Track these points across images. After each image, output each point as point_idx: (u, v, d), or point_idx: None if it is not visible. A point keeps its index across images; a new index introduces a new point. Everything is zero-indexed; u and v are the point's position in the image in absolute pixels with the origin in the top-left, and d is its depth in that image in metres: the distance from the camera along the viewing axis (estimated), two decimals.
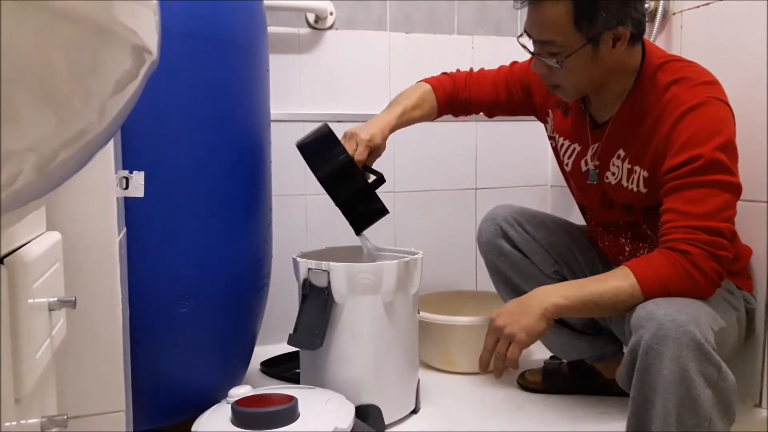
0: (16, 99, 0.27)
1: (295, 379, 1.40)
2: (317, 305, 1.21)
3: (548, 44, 1.16)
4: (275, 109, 1.46)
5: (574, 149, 1.34)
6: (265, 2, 1.35)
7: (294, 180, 1.75)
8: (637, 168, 1.21)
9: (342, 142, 1.25)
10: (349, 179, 1.22)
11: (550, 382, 1.45)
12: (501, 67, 1.46)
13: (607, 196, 1.29)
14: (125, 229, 0.97)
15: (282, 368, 1.56)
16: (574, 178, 1.38)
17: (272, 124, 1.40)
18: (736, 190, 1.10)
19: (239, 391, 1.09)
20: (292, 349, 1.34)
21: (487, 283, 1.54)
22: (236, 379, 1.30)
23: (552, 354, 1.51)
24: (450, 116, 1.48)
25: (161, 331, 1.12)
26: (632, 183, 1.22)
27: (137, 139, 1.02)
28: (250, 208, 1.27)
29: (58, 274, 0.64)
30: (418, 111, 1.38)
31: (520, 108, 1.45)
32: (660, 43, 1.54)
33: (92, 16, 0.31)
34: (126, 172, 0.86)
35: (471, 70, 1.48)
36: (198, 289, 1.15)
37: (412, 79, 1.46)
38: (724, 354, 1.05)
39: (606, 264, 1.37)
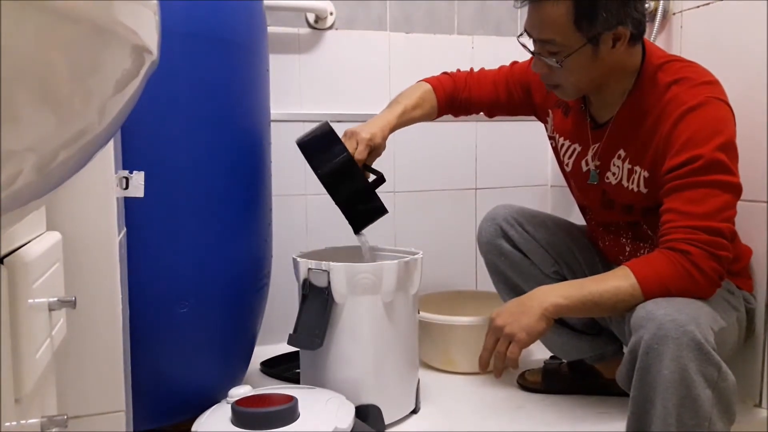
0: (16, 99, 0.27)
1: (295, 379, 1.40)
2: (317, 305, 1.21)
3: (548, 44, 1.16)
4: (275, 109, 1.46)
5: (575, 149, 1.34)
6: (265, 2, 1.35)
7: (294, 180, 1.75)
8: (637, 168, 1.21)
9: (342, 140, 1.25)
10: (349, 178, 1.22)
11: (550, 382, 1.45)
12: (501, 67, 1.46)
13: (608, 196, 1.29)
14: (125, 229, 0.97)
15: (282, 368, 1.56)
16: (574, 178, 1.38)
17: (272, 124, 1.40)
18: (736, 190, 1.10)
19: (239, 391, 1.09)
20: (292, 349, 1.34)
21: (487, 283, 1.54)
22: (236, 379, 1.30)
23: (552, 354, 1.51)
24: (450, 116, 1.48)
25: (161, 331, 1.12)
26: (632, 183, 1.22)
27: (137, 139, 1.02)
28: (250, 208, 1.27)
29: (58, 274, 0.64)
30: (419, 111, 1.38)
31: (520, 108, 1.45)
32: (660, 43, 1.54)
33: (92, 16, 0.31)
34: (126, 172, 0.86)
35: (471, 70, 1.48)
36: (198, 289, 1.15)
37: (412, 79, 1.46)
38: (724, 354, 1.05)
39: (606, 264, 1.37)
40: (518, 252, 1.40)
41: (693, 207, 1.08)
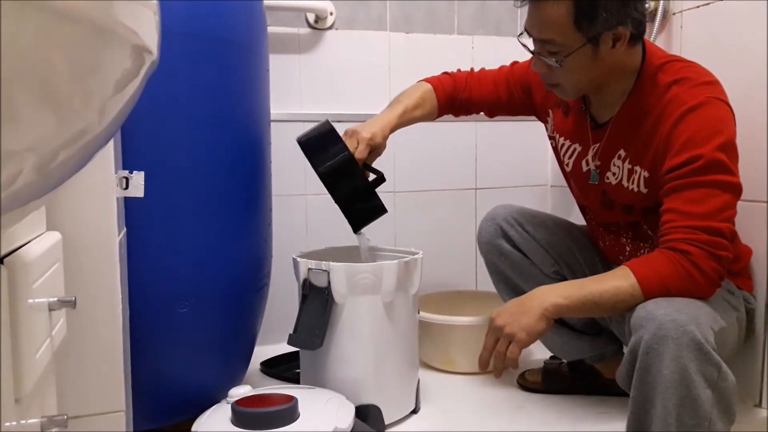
0: (16, 99, 0.27)
1: (295, 379, 1.40)
2: (317, 305, 1.21)
3: (548, 43, 1.16)
4: (275, 109, 1.46)
5: (575, 149, 1.34)
6: (265, 2, 1.35)
7: (294, 180, 1.75)
8: (637, 168, 1.21)
9: (343, 139, 1.25)
10: (349, 176, 1.22)
11: (550, 382, 1.45)
12: (502, 67, 1.46)
13: (608, 196, 1.29)
14: (125, 229, 0.97)
15: (282, 368, 1.56)
16: (574, 178, 1.38)
17: (272, 124, 1.40)
18: (736, 190, 1.10)
19: (239, 391, 1.09)
20: (292, 349, 1.34)
21: (487, 283, 1.54)
22: (236, 379, 1.30)
23: (552, 354, 1.51)
24: (450, 116, 1.48)
25: (161, 331, 1.12)
26: (633, 183, 1.22)
27: (137, 139, 1.02)
28: (250, 208, 1.27)
29: (58, 274, 0.64)
30: (419, 111, 1.38)
31: (521, 108, 1.45)
32: (660, 43, 1.54)
33: (92, 16, 0.31)
34: (126, 172, 0.86)
35: (472, 69, 1.48)
36: (198, 289, 1.15)
37: (412, 79, 1.46)
38: (724, 354, 1.05)
39: (606, 264, 1.37)
40: (518, 252, 1.40)
41: (693, 207, 1.08)
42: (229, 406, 1.05)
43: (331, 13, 1.77)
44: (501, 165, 1.98)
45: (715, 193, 1.08)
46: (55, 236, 0.65)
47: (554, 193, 2.02)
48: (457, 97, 1.43)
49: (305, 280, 1.24)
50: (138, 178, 0.86)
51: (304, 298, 1.24)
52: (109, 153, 0.81)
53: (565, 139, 1.37)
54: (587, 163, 1.31)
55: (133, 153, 1.00)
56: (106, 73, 0.37)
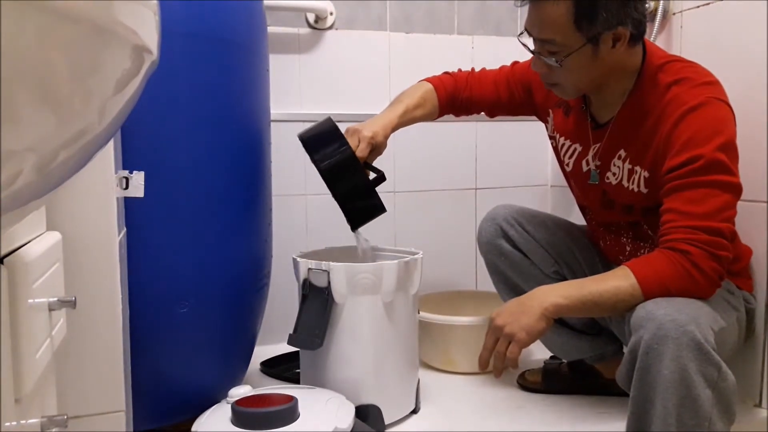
0: (16, 99, 0.27)
1: (295, 379, 1.40)
2: (317, 305, 1.21)
3: (548, 43, 1.16)
4: (275, 109, 1.46)
5: (575, 149, 1.34)
6: (265, 2, 1.35)
7: (294, 180, 1.75)
8: (637, 168, 1.21)
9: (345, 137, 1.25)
10: (350, 174, 1.22)
11: (550, 382, 1.45)
12: (502, 67, 1.46)
13: (608, 196, 1.29)
14: (125, 229, 0.97)
15: (282, 368, 1.56)
16: (574, 178, 1.38)
17: (272, 124, 1.40)
18: (736, 190, 1.10)
19: (239, 391, 1.09)
20: (292, 349, 1.34)
21: (487, 283, 1.54)
22: (236, 379, 1.30)
23: (552, 354, 1.51)
24: (450, 116, 1.48)
25: (161, 331, 1.12)
26: (633, 183, 1.22)
27: (137, 139, 1.02)
28: (250, 208, 1.27)
29: (58, 274, 0.64)
30: (420, 110, 1.38)
31: (521, 108, 1.45)
32: (660, 43, 1.54)
33: (92, 16, 0.31)
34: (126, 172, 0.86)
35: (472, 69, 1.48)
36: (198, 289, 1.15)
37: (412, 79, 1.46)
38: (724, 354, 1.05)
39: (606, 264, 1.37)
40: (518, 252, 1.40)
41: (693, 207, 1.08)
42: (229, 406, 1.05)
43: (331, 13, 1.77)
44: (501, 165, 1.98)
45: (715, 193, 1.08)
46: (55, 236, 0.65)
47: (554, 193, 2.02)
48: (458, 97, 1.43)
49: (305, 280, 1.24)
50: (138, 178, 0.86)
51: (304, 298, 1.24)
52: (109, 153, 0.81)
53: (565, 139, 1.37)
54: (587, 163, 1.31)
55: (133, 153, 1.00)
56: (106, 73, 0.37)
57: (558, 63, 1.16)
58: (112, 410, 0.83)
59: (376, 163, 1.31)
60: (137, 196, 0.86)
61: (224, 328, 1.23)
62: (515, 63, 1.45)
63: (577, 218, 1.49)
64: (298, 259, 1.27)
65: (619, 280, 1.10)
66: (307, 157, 1.25)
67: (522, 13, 1.47)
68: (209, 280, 1.17)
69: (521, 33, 1.21)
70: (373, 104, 1.57)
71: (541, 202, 2.00)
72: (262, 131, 1.31)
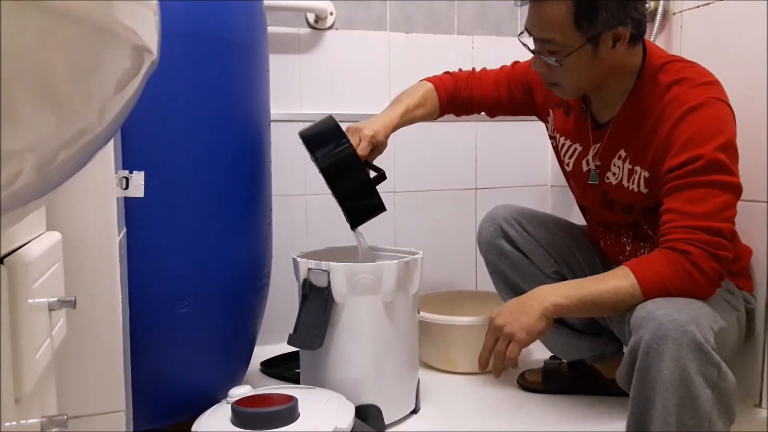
0: (16, 99, 0.27)
1: (295, 379, 1.40)
2: (317, 305, 1.21)
3: (548, 42, 1.16)
4: (275, 109, 1.46)
5: (576, 149, 1.34)
6: (265, 2, 1.35)
7: (294, 180, 1.75)
8: (637, 168, 1.21)
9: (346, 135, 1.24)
10: (351, 172, 1.22)
11: (550, 382, 1.45)
12: (503, 67, 1.46)
13: (608, 196, 1.29)
14: (125, 229, 0.97)
15: (282, 368, 1.56)
16: (574, 178, 1.38)
17: (272, 124, 1.40)
18: (736, 190, 1.11)
19: (239, 391, 1.09)
20: (292, 349, 1.34)
21: (487, 283, 1.54)
22: (236, 379, 1.30)
23: (552, 354, 1.51)
24: (450, 116, 1.48)
25: (161, 331, 1.12)
26: (633, 183, 1.22)
27: (137, 139, 1.02)
28: (250, 208, 1.27)
29: (58, 274, 0.64)
30: (421, 110, 1.38)
31: (522, 108, 1.45)
32: (660, 43, 1.54)
33: (92, 16, 0.31)
34: (126, 172, 0.86)
35: (473, 69, 1.48)
36: (198, 289, 1.15)
37: (412, 79, 1.46)
38: (724, 354, 1.05)
39: (606, 264, 1.37)
40: (518, 252, 1.40)
41: (693, 207, 1.08)
42: (229, 406, 1.05)
43: (331, 13, 1.77)
44: (501, 165, 1.98)
45: (715, 193, 1.08)
46: (55, 236, 0.65)
47: (554, 193, 2.02)
48: (459, 97, 1.43)
49: (305, 280, 1.24)
50: (138, 178, 0.86)
51: (304, 298, 1.24)
52: (109, 153, 0.81)
53: (565, 139, 1.37)
54: (587, 163, 1.31)
55: (133, 153, 1.00)
56: (106, 73, 0.37)
57: (558, 63, 1.16)
58: (112, 410, 0.83)
59: (376, 162, 1.30)
60: (137, 196, 0.86)
61: (224, 328, 1.23)
62: (516, 63, 1.45)
63: (577, 218, 1.49)
64: (298, 259, 1.27)
65: (619, 280, 1.10)
66: (307, 157, 1.25)
67: (522, 13, 1.47)
68: (209, 280, 1.17)
69: (521, 32, 1.21)
70: (373, 104, 1.57)
71: (541, 202, 2.00)
72: (262, 131, 1.31)
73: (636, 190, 1.22)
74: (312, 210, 1.79)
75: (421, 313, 1.49)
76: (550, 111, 1.40)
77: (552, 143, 1.44)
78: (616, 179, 1.25)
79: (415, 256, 1.29)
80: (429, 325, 1.52)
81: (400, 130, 1.35)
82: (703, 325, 1.00)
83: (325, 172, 1.21)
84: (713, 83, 1.15)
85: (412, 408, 1.32)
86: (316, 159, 1.21)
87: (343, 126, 1.28)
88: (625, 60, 1.18)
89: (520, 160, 2.00)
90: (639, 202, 1.23)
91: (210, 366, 1.23)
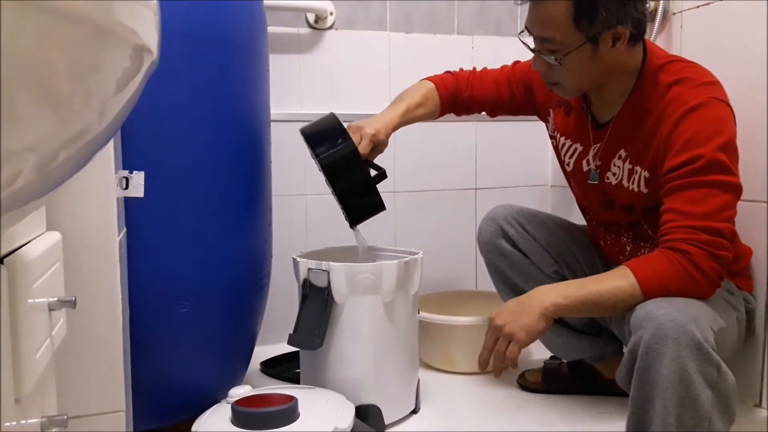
0: (16, 99, 0.27)
1: (295, 379, 1.40)
2: (317, 305, 1.21)
3: (548, 41, 1.16)
4: (275, 109, 1.46)
5: (576, 149, 1.34)
6: (265, 2, 1.35)
7: (294, 180, 1.75)
8: (638, 168, 1.21)
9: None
10: (352, 169, 1.21)
11: (550, 382, 1.45)
12: (503, 67, 1.46)
13: (608, 196, 1.29)
14: (125, 229, 0.97)
15: (282, 368, 1.56)
16: (575, 177, 1.38)
17: (272, 124, 1.40)
18: (736, 190, 1.11)
19: (239, 391, 1.09)
20: (292, 349, 1.34)
21: (487, 283, 1.54)
22: (236, 379, 1.30)
23: (552, 354, 1.51)
24: (450, 116, 1.48)
25: (161, 331, 1.12)
26: (633, 183, 1.22)
27: (137, 139, 1.02)
28: (250, 208, 1.27)
29: (58, 274, 0.64)
30: (422, 109, 1.38)
31: (522, 107, 1.45)
32: (660, 43, 1.54)
33: (92, 16, 0.31)
34: (126, 172, 0.86)
35: (474, 69, 1.48)
36: (198, 289, 1.15)
37: (412, 79, 1.46)
38: (724, 354, 1.05)
39: (606, 264, 1.37)
40: (518, 252, 1.40)
41: (693, 207, 1.08)
42: (229, 406, 1.05)
43: (331, 13, 1.77)
44: (501, 165, 1.98)
45: (715, 193, 1.08)
46: (55, 236, 0.65)
47: (554, 193, 2.02)
48: (459, 96, 1.43)
49: (305, 280, 1.24)
50: (138, 178, 0.86)
51: (304, 298, 1.24)
52: (109, 153, 0.81)
53: (566, 139, 1.37)
54: (588, 163, 1.31)
55: (133, 153, 1.00)
56: (106, 73, 0.37)
57: (557, 61, 1.16)
58: (112, 410, 0.83)
59: (376, 161, 1.30)
60: (137, 196, 0.86)
61: (224, 328, 1.23)
62: (516, 62, 1.45)
63: (577, 218, 1.49)
64: (298, 259, 1.27)
65: (618, 280, 1.10)
66: (307, 157, 1.25)
67: (522, 13, 1.47)
68: (209, 280, 1.17)
69: (522, 31, 1.21)
70: (373, 104, 1.57)
71: (541, 202, 2.00)
72: (262, 131, 1.31)
73: (636, 190, 1.22)
74: (312, 210, 1.79)
75: (421, 313, 1.49)
76: (551, 111, 1.40)
77: (552, 143, 1.44)
78: (616, 179, 1.25)
79: (415, 256, 1.29)
80: (429, 325, 1.52)
81: (400, 129, 1.35)
82: (703, 325, 1.00)
83: (325, 169, 1.21)
84: (713, 83, 1.15)
85: (412, 408, 1.32)
86: (317, 156, 1.21)
87: (344, 125, 1.28)
88: (625, 60, 1.18)
89: (520, 160, 2.00)
90: (639, 202, 1.23)
91: (210, 366, 1.23)
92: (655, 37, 1.54)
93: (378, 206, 1.25)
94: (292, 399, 1.04)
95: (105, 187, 0.81)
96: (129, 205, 0.97)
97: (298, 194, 1.77)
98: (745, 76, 1.32)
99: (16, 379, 0.50)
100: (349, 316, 1.21)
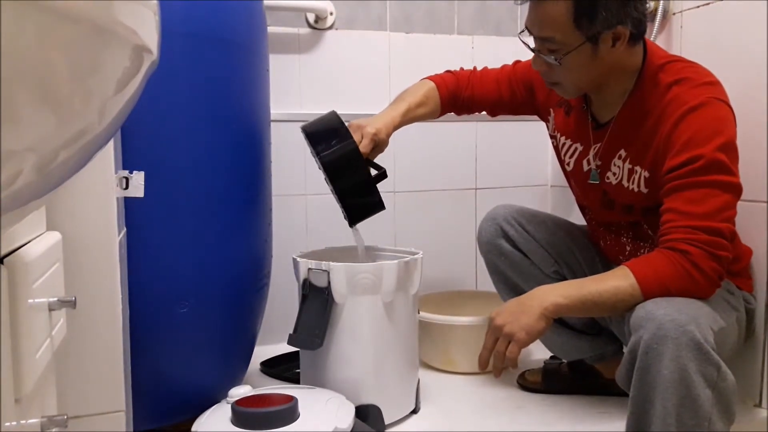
0: (16, 99, 0.27)
1: (295, 379, 1.40)
2: (317, 305, 1.21)
3: (548, 41, 1.16)
4: (275, 109, 1.46)
5: (576, 149, 1.34)
6: (265, 2, 1.35)
7: (294, 180, 1.75)
8: (638, 168, 1.21)
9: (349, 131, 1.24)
10: (353, 168, 1.21)
11: (550, 382, 1.45)
12: (504, 66, 1.46)
13: (608, 196, 1.29)
14: (125, 229, 0.97)
15: (282, 368, 1.56)
16: (575, 177, 1.38)
17: (272, 124, 1.40)
18: (736, 190, 1.11)
19: (239, 391, 1.09)
20: (292, 349, 1.34)
21: (487, 283, 1.54)
22: (236, 379, 1.30)
23: (552, 354, 1.51)
24: (450, 116, 1.48)
25: (161, 331, 1.12)
26: (633, 183, 1.22)
27: (137, 139, 1.02)
28: (250, 208, 1.27)
29: (58, 274, 0.64)
30: (423, 109, 1.38)
31: (523, 107, 1.45)
32: (660, 43, 1.54)
33: (92, 16, 0.31)
34: (126, 172, 0.86)
35: (474, 68, 1.48)
36: (198, 289, 1.15)
37: (412, 79, 1.46)
38: (724, 354, 1.05)
39: (606, 264, 1.37)
40: (518, 252, 1.40)
41: (693, 207, 1.08)
42: (229, 406, 1.05)
43: (331, 13, 1.77)
44: (501, 165, 1.98)
45: (715, 193, 1.08)
46: (55, 236, 0.65)
47: (554, 193, 2.02)
48: (460, 96, 1.43)
49: (305, 280, 1.24)
50: (138, 178, 0.86)
51: (304, 298, 1.24)
52: (109, 153, 0.81)
53: (566, 139, 1.37)
54: (588, 163, 1.31)
55: (133, 153, 1.00)
56: (106, 73, 0.37)
57: (557, 61, 1.16)
58: (112, 410, 0.83)
59: (376, 161, 1.30)
60: (137, 196, 0.86)
61: (224, 328, 1.23)
62: (517, 62, 1.45)
63: (577, 218, 1.49)
64: (298, 259, 1.27)
65: (618, 280, 1.10)
66: (308, 157, 1.25)
67: (522, 13, 1.47)
68: (209, 280, 1.17)
69: (522, 31, 1.21)
70: (373, 104, 1.57)
71: (541, 202, 2.00)
72: (262, 131, 1.31)
73: (636, 190, 1.22)
74: (312, 210, 1.79)
75: (421, 313, 1.49)
76: (551, 110, 1.40)
77: (552, 143, 1.44)
78: (617, 179, 1.25)
79: (415, 256, 1.29)
80: (429, 325, 1.52)
81: (400, 129, 1.35)
82: (703, 325, 1.00)
83: (326, 167, 1.20)
84: (714, 83, 1.15)
85: (412, 408, 1.32)
86: (317, 154, 1.21)
87: (345, 123, 1.28)
88: (625, 59, 1.18)
89: (520, 160, 2.00)
90: (639, 202, 1.23)
91: (210, 366, 1.23)
92: (655, 37, 1.54)
93: (378, 206, 1.25)
94: (292, 399, 1.04)
95: (105, 187, 0.81)
96: (129, 205, 0.97)
97: (298, 194, 1.77)
98: (745, 76, 1.32)
99: (16, 379, 0.50)
100: (349, 316, 1.21)
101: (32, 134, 0.31)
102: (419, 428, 1.28)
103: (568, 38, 1.14)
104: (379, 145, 1.28)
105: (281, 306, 1.59)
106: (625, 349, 1.08)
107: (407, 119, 1.35)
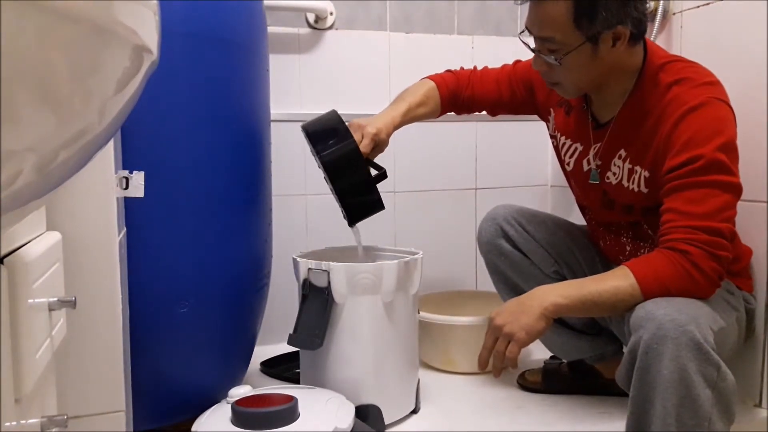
0: (16, 99, 0.27)
1: (295, 379, 1.40)
2: (317, 305, 1.21)
3: (548, 41, 1.16)
4: (275, 109, 1.46)
5: (576, 148, 1.34)
6: (265, 2, 1.35)
7: (294, 180, 1.75)
8: (638, 168, 1.21)
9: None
10: (352, 169, 1.21)
11: (550, 382, 1.45)
12: (504, 66, 1.46)
13: (608, 196, 1.29)
14: (125, 229, 0.97)
15: (282, 368, 1.56)
16: (575, 177, 1.38)
17: (272, 124, 1.40)
18: (736, 190, 1.10)
19: (239, 391, 1.09)
20: (292, 349, 1.34)
21: (487, 283, 1.54)
22: (236, 379, 1.30)
23: (552, 354, 1.51)
24: (450, 115, 1.48)
25: (161, 331, 1.12)
26: (633, 183, 1.22)
27: (137, 139, 1.02)
28: (250, 208, 1.27)
29: (58, 274, 0.64)
30: (423, 108, 1.38)
31: (523, 107, 1.45)
32: (660, 43, 1.54)
33: (92, 16, 0.31)
34: (126, 172, 0.86)
35: (475, 68, 1.48)
36: (198, 289, 1.15)
37: (412, 79, 1.46)
38: (724, 354, 1.05)
39: (606, 264, 1.37)
40: (518, 252, 1.40)
41: (693, 207, 1.08)
42: (229, 406, 1.05)
43: (331, 13, 1.77)
44: (501, 165, 1.98)
45: (715, 193, 1.08)
46: (55, 236, 0.65)
47: (554, 193, 2.02)
48: (460, 95, 1.43)
49: (305, 280, 1.24)
50: (138, 178, 0.86)
51: (304, 298, 1.24)
52: (109, 153, 0.81)
53: (566, 138, 1.37)
54: (588, 163, 1.31)
55: (133, 153, 1.00)
56: (106, 73, 0.37)
57: (557, 61, 1.16)
58: (112, 410, 0.83)
59: (376, 161, 1.30)
60: (137, 196, 0.86)
61: (224, 328, 1.23)
62: (517, 62, 1.45)
63: (577, 218, 1.49)
64: (298, 259, 1.27)
65: (618, 280, 1.10)
66: (308, 157, 1.25)
67: (522, 13, 1.47)
68: (209, 280, 1.17)
69: (522, 31, 1.21)
70: (373, 104, 1.57)
71: (541, 202, 2.00)
72: (262, 131, 1.31)
73: (636, 189, 1.22)
74: (312, 210, 1.79)
75: (421, 313, 1.49)
76: (551, 110, 1.40)
77: (553, 142, 1.44)
78: (617, 179, 1.25)
79: (415, 256, 1.29)
80: (429, 325, 1.52)
81: (400, 129, 1.35)
82: (703, 325, 1.00)
83: (326, 167, 1.20)
84: (714, 83, 1.15)
85: (412, 408, 1.32)
86: (317, 153, 1.21)
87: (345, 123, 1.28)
88: (625, 59, 1.18)
89: (520, 160, 2.00)
90: (639, 202, 1.23)
91: (210, 366, 1.23)
92: (655, 37, 1.54)
93: (377, 205, 1.25)
94: (292, 399, 1.04)
95: (105, 187, 0.81)
96: (129, 205, 0.97)
97: (298, 194, 1.77)
98: (745, 76, 1.32)
99: (16, 379, 0.50)
100: (349, 316, 1.21)
101: (32, 134, 0.31)
102: (419, 428, 1.28)
103: (568, 38, 1.14)
104: (379, 144, 1.28)
105: (281, 306, 1.59)
106: (625, 349, 1.08)
107: (408, 119, 1.35)
